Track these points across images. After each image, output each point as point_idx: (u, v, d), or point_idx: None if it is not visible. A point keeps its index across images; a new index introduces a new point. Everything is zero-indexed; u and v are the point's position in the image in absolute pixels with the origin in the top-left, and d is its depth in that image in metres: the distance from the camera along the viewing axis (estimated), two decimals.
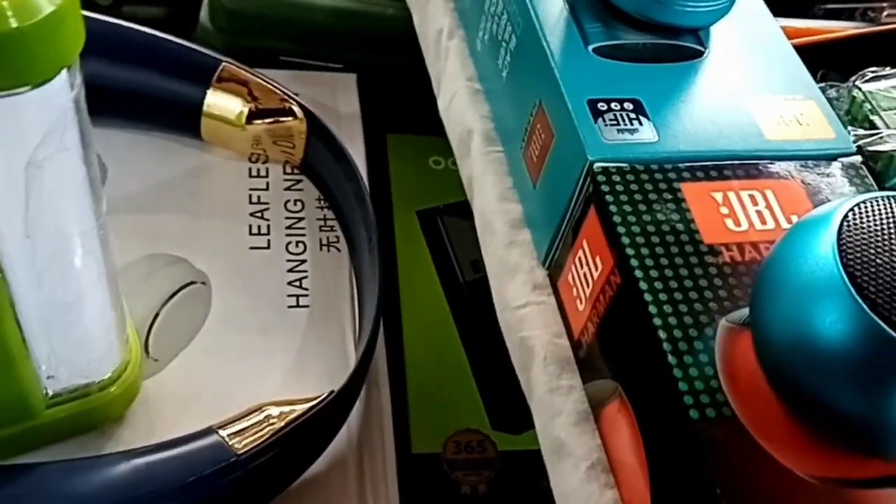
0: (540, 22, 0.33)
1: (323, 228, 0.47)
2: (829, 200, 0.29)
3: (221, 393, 0.38)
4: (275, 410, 0.35)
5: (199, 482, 0.32)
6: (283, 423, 0.34)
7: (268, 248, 0.46)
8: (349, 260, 0.46)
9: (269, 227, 0.46)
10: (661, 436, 0.25)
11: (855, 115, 0.35)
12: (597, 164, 0.29)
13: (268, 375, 0.40)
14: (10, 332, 0.31)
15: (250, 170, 0.49)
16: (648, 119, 0.30)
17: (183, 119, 0.47)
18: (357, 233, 0.45)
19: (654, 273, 0.26)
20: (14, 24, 0.23)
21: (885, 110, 0.34)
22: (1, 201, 0.27)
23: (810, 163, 0.30)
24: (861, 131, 0.33)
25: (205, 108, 0.47)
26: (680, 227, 0.27)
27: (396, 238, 0.50)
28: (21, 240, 0.28)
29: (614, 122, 0.30)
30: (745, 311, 0.25)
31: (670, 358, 0.24)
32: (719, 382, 0.24)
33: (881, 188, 0.31)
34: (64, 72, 0.25)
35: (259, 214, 0.47)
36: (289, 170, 0.49)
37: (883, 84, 0.35)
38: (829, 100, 0.35)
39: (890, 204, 0.22)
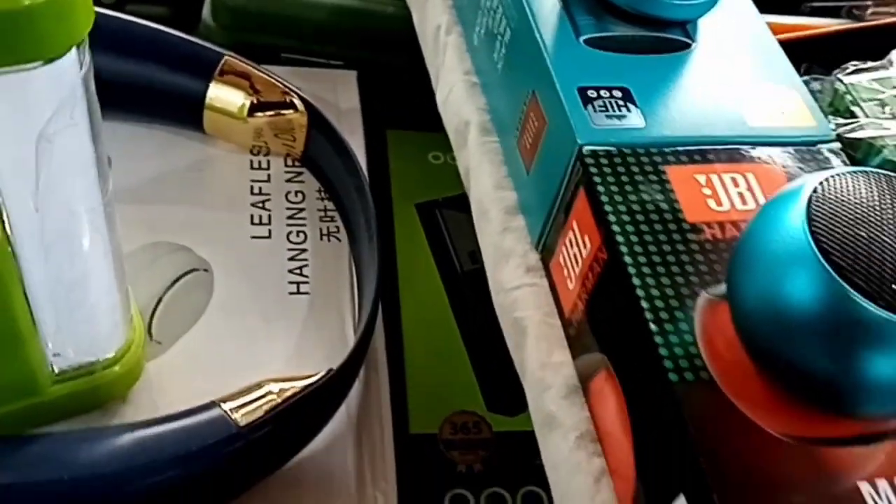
0: (533, 15, 0.34)
1: (323, 219, 0.48)
2: None
3: (223, 375, 0.39)
4: (275, 387, 0.36)
5: (201, 452, 0.34)
6: (282, 399, 0.35)
7: (269, 237, 0.47)
8: (349, 249, 0.47)
9: (270, 217, 0.47)
10: (643, 401, 0.26)
11: (837, 107, 0.36)
12: (586, 148, 0.30)
13: (269, 358, 0.41)
14: (18, 308, 0.32)
15: (252, 162, 0.50)
16: (636, 106, 0.32)
17: (186, 112, 0.48)
18: (357, 223, 0.46)
19: (638, 248, 0.27)
20: (27, 1, 0.24)
21: (865, 101, 0.35)
22: (12, 175, 0.28)
23: (791, 149, 0.31)
24: (841, 120, 0.34)
25: (207, 100, 0.48)
26: (664, 206, 0.29)
27: (396, 230, 0.51)
28: (30, 214, 0.29)
29: (603, 109, 0.31)
30: (725, 285, 0.26)
31: (652, 326, 0.25)
32: (698, 349, 0.25)
33: None
34: (74, 50, 0.27)
35: (260, 205, 0.48)
36: (290, 162, 0.50)
37: (864, 77, 0.36)
38: (813, 92, 0.36)
39: (856, 178, 0.23)
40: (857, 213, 0.22)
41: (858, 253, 0.22)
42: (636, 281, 0.26)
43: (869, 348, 0.22)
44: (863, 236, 0.22)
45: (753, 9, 0.37)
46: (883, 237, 0.22)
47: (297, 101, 0.48)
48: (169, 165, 0.49)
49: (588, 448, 0.29)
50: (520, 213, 0.35)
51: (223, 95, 0.48)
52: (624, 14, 0.34)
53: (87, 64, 0.28)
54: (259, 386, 0.36)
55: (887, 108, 0.35)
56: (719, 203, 0.29)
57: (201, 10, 0.56)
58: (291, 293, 0.44)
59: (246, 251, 0.46)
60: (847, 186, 0.23)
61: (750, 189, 0.29)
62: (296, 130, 0.49)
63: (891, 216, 0.22)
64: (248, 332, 0.42)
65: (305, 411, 0.37)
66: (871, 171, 0.24)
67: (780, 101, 0.33)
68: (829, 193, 0.23)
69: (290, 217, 0.48)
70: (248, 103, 0.48)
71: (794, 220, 0.23)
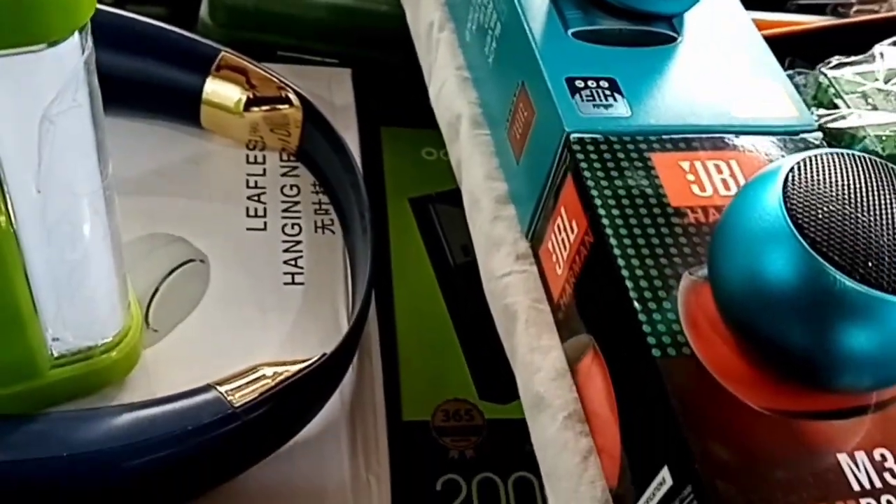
0: (523, 8, 0.35)
1: (318, 212, 0.49)
2: None
3: (219, 362, 0.40)
4: (269, 370, 0.37)
5: (197, 432, 0.34)
6: (276, 382, 0.36)
7: (264, 229, 0.47)
8: (343, 241, 0.47)
9: (265, 209, 0.48)
10: (628, 379, 0.27)
11: (821, 100, 0.37)
12: (573, 136, 0.31)
13: (264, 346, 0.42)
14: (20, 291, 0.33)
15: (248, 157, 0.51)
16: (623, 96, 0.32)
17: (183, 107, 0.49)
18: (350, 215, 0.47)
19: (623, 231, 0.28)
20: None
21: (847, 94, 0.36)
22: (16, 156, 0.29)
23: (774, 137, 0.32)
24: (824, 111, 0.35)
25: (204, 95, 0.49)
26: (649, 191, 0.29)
27: (389, 224, 0.52)
28: (33, 195, 0.30)
29: (590, 98, 0.32)
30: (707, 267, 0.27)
31: (636, 305, 0.26)
32: (681, 328, 0.26)
33: None
34: (76, 34, 0.28)
35: (256, 198, 0.49)
36: (285, 157, 0.51)
37: (847, 70, 0.37)
38: (797, 86, 0.37)
39: (830, 159, 0.24)
40: (831, 191, 0.23)
41: (833, 228, 0.22)
42: (621, 262, 0.27)
43: (844, 321, 0.22)
44: (837, 213, 0.23)
45: (739, 5, 0.38)
46: (857, 213, 0.23)
47: (292, 97, 0.49)
48: (167, 159, 0.50)
49: (576, 428, 0.30)
50: (510, 203, 0.36)
51: (220, 90, 0.49)
52: (611, 8, 0.35)
53: (89, 48, 0.29)
54: (254, 369, 0.37)
55: (869, 100, 0.36)
56: (703, 188, 0.30)
57: (199, 8, 0.57)
58: (286, 283, 0.45)
59: (242, 243, 0.47)
60: (823, 166, 0.24)
61: (733, 175, 0.30)
62: (291, 125, 0.50)
63: (864, 194, 0.23)
64: (244, 322, 0.43)
65: (300, 394, 0.37)
66: (847, 153, 0.25)
67: (764, 92, 0.34)
68: (805, 173, 0.24)
69: (285, 210, 0.48)
70: (244, 98, 0.49)
71: (772, 198, 0.23)
